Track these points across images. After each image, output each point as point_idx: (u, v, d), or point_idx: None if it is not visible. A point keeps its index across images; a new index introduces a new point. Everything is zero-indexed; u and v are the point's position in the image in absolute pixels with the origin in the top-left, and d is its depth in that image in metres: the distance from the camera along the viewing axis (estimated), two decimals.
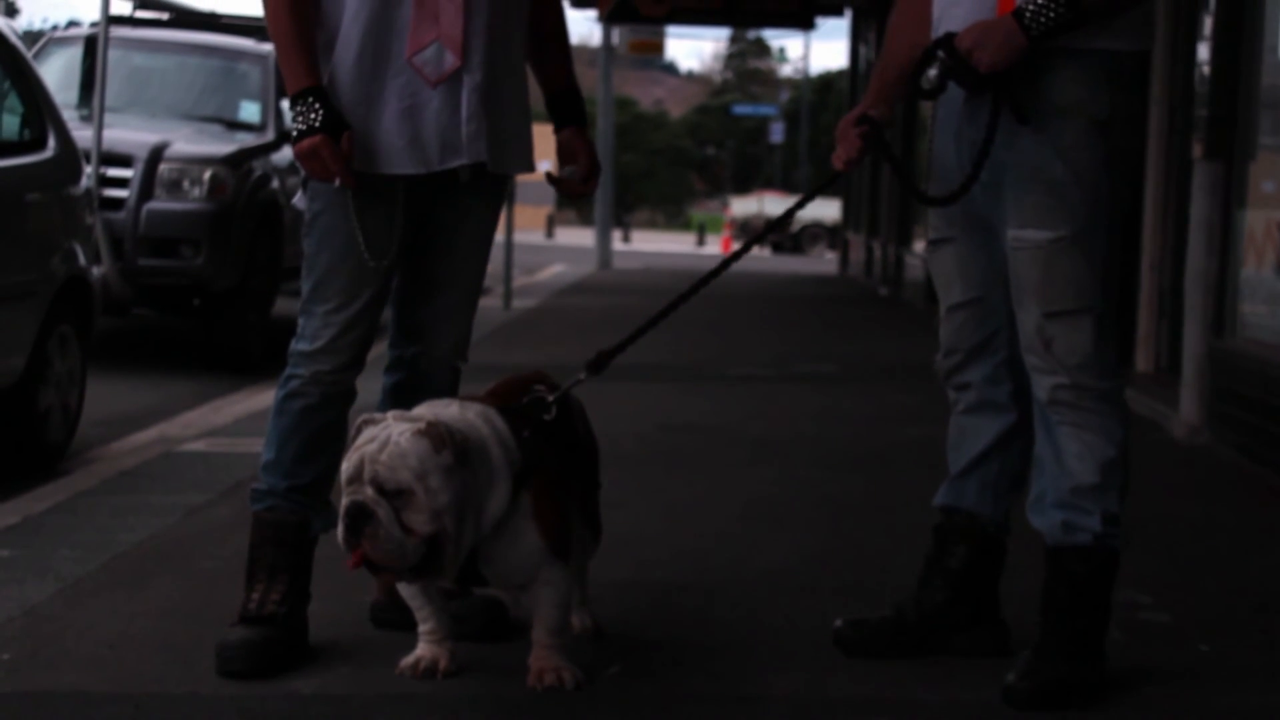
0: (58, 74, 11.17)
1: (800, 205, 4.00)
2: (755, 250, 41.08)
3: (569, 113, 4.09)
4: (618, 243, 33.83)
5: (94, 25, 10.86)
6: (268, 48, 11.57)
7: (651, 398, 8.44)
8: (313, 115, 3.72)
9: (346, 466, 3.42)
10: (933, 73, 3.68)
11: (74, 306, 6.93)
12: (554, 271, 23.44)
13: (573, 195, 4.13)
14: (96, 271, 7.33)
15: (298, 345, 3.91)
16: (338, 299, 3.86)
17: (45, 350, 6.68)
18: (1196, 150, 7.72)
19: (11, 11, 32.81)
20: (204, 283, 9.96)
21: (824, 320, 15.72)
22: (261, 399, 8.74)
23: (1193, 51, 8.95)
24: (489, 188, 3.98)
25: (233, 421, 7.71)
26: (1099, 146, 3.63)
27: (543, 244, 37.56)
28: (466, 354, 4.07)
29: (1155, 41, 3.84)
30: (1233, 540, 5.57)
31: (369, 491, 3.36)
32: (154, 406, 8.70)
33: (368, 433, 3.46)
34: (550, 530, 3.54)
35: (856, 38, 24.61)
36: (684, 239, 47.47)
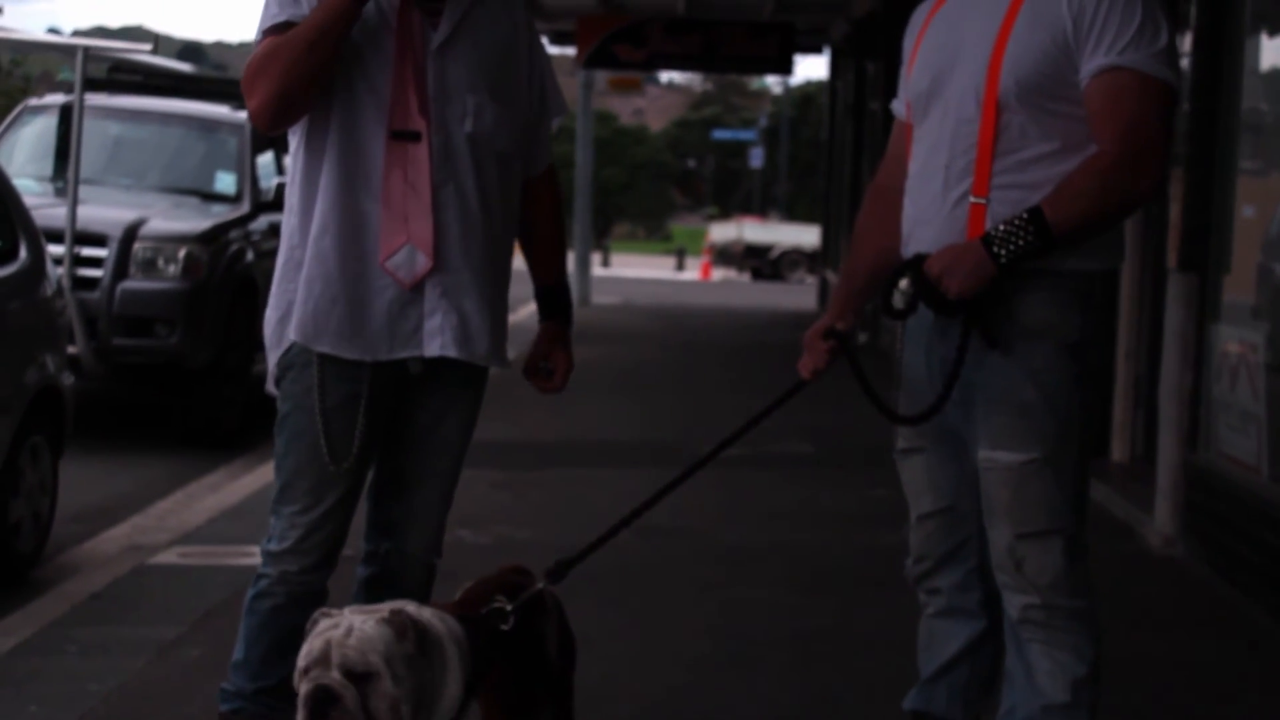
0: (33, 143, 11.16)
1: (767, 412, 3.99)
2: (734, 276, 41.29)
3: (553, 308, 4.11)
4: (596, 266, 33.60)
5: (68, 91, 10.81)
6: (243, 115, 11.54)
7: (624, 490, 8.40)
8: None
9: (308, 650, 3.33)
10: (903, 288, 3.68)
11: (46, 417, 6.90)
12: (532, 309, 23.27)
13: (541, 390, 4.15)
14: (69, 373, 7.31)
15: (267, 545, 3.91)
16: (303, 501, 3.85)
17: (17, 462, 6.66)
18: (1171, 259, 7.73)
19: None
20: (179, 361, 9.96)
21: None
22: (236, 487, 8.72)
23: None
24: (462, 384, 3.96)
25: (206, 522, 7.68)
26: (1070, 368, 3.62)
27: (520, 270, 37.36)
28: (440, 550, 4.06)
29: (1124, 259, 3.83)
30: (1199, 694, 5.52)
31: (336, 675, 3.30)
32: (127, 494, 8.67)
33: (326, 623, 3.40)
34: None
35: (835, 76, 24.63)
36: (664, 262, 47.41)
